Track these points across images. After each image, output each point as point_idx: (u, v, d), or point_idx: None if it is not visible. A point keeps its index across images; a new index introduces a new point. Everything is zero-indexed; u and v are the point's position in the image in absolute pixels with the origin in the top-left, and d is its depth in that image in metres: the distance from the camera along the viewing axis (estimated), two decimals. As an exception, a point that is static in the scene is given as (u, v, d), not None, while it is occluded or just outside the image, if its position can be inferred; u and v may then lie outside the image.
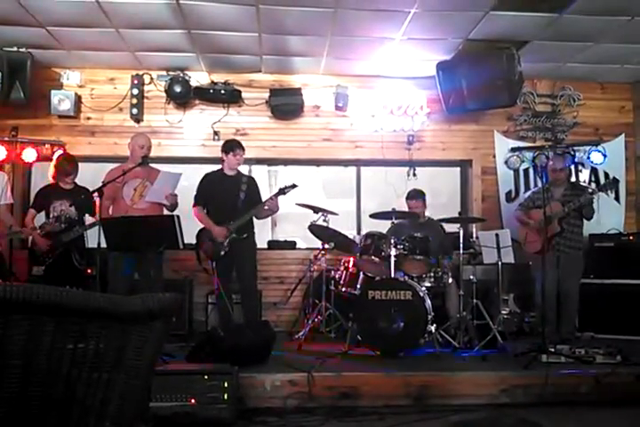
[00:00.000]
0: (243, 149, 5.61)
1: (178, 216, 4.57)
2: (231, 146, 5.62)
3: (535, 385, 4.20)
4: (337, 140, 7.33)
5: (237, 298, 5.65)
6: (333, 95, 7.26)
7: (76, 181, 5.75)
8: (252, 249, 5.64)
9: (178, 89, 6.92)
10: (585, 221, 5.69)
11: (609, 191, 6.83)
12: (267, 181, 7.41)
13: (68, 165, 5.70)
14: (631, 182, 7.40)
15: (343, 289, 5.59)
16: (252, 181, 5.72)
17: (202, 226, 5.52)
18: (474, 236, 6.46)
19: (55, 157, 6.32)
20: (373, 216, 5.79)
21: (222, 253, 5.35)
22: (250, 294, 5.58)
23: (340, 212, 6.27)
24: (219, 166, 5.83)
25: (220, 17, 5.64)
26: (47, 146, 6.76)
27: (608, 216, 6.79)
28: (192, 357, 4.40)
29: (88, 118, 7.10)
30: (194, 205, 5.56)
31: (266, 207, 5.53)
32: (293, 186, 5.48)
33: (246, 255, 5.51)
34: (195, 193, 5.59)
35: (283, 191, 5.46)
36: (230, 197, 5.49)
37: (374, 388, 4.20)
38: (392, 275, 5.15)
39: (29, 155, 6.63)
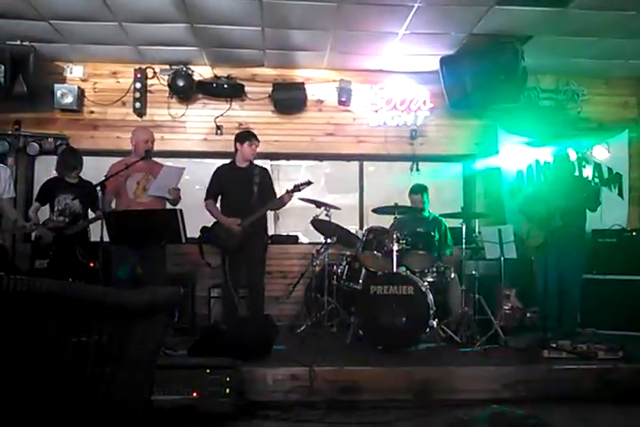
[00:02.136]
0: (258, 139, 5.62)
1: (180, 210, 4.58)
2: (247, 136, 5.63)
3: (537, 381, 4.20)
4: (340, 134, 7.32)
5: (244, 292, 5.66)
6: (336, 90, 7.24)
7: (80, 174, 5.75)
8: (263, 244, 5.64)
9: (181, 83, 6.91)
10: (587, 216, 5.66)
11: (612, 186, 6.83)
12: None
13: (74, 159, 5.70)
14: (634, 178, 7.37)
15: (345, 284, 5.60)
16: (264, 173, 5.68)
17: (207, 221, 5.53)
18: (476, 231, 6.46)
19: (60, 150, 6.34)
20: (376, 211, 5.79)
21: (235, 246, 5.35)
22: (256, 288, 5.58)
23: (342, 206, 6.26)
24: (221, 161, 5.83)
25: (224, 11, 5.63)
26: (50, 140, 6.77)
27: (611, 212, 6.77)
28: (194, 350, 4.41)
29: (91, 112, 7.10)
30: (205, 199, 5.56)
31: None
32: (308, 183, 5.48)
33: (256, 250, 5.51)
34: (207, 187, 5.59)
35: (297, 188, 5.46)
36: (243, 190, 5.47)
37: (376, 382, 4.20)
38: (394, 270, 5.15)
39: (32, 148, 6.64)
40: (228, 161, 5.74)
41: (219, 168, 5.68)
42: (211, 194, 5.59)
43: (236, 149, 5.61)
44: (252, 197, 5.45)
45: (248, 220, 5.34)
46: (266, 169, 5.80)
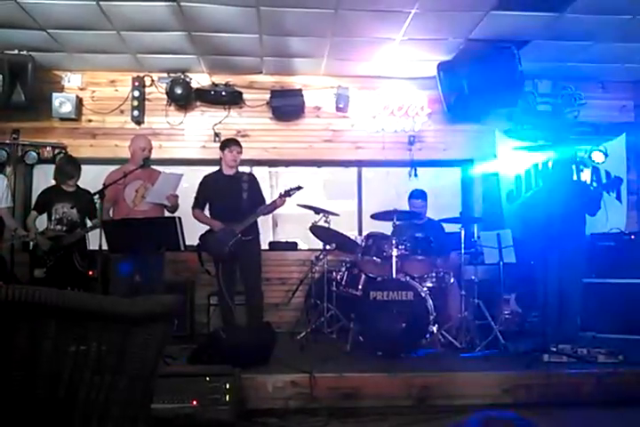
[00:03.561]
0: (239, 145, 5.57)
1: (179, 218, 4.57)
2: (226, 142, 5.64)
3: (537, 385, 4.20)
4: (338, 141, 7.33)
5: (239, 300, 5.65)
6: (334, 96, 7.26)
7: (78, 183, 5.76)
8: (257, 250, 5.64)
9: (179, 91, 6.93)
10: (586, 219, 5.67)
11: (610, 190, 6.85)
12: (268, 183, 7.40)
13: (72, 167, 5.71)
14: (633, 182, 7.39)
15: (345, 290, 5.59)
16: (252, 179, 5.68)
17: (206, 228, 5.52)
18: (475, 236, 6.45)
19: (58, 159, 6.35)
20: (374, 217, 5.79)
21: (227, 254, 5.34)
22: (254, 295, 5.56)
23: (341, 212, 6.26)
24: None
25: (221, 18, 5.65)
26: (49, 148, 6.79)
27: (610, 215, 6.76)
28: (194, 358, 4.40)
29: (89, 121, 7.11)
30: (192, 208, 5.54)
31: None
32: (298, 188, 5.47)
33: (251, 257, 5.51)
34: (194, 196, 5.59)
35: (288, 193, 5.45)
36: (232, 197, 5.46)
37: (376, 389, 4.19)
38: (393, 275, 5.15)
39: (31, 157, 6.65)
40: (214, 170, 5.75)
41: (205, 177, 5.67)
42: (198, 203, 5.55)
43: (221, 158, 5.62)
44: (240, 204, 5.43)
45: (240, 226, 5.33)
46: (253, 175, 5.80)
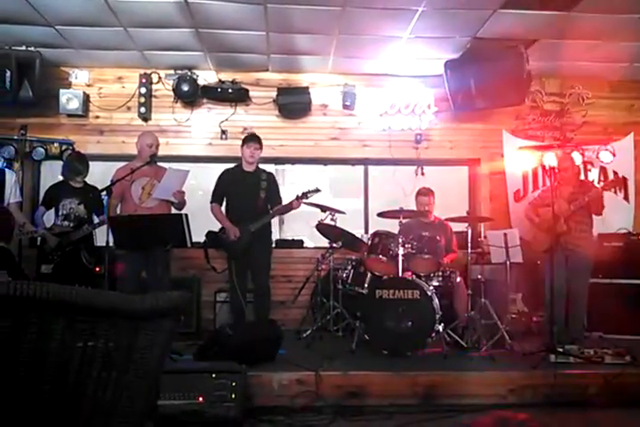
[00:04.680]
0: (257, 142, 5.60)
1: (186, 215, 4.58)
2: (245, 138, 5.69)
3: (543, 385, 4.19)
4: (344, 139, 7.31)
5: (250, 297, 5.67)
6: (341, 94, 7.24)
7: (86, 179, 5.77)
8: (269, 249, 5.65)
9: (185, 88, 6.93)
10: (593, 219, 5.64)
11: (615, 189, 6.82)
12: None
13: (80, 164, 5.72)
14: (640, 182, 7.36)
15: (351, 288, 5.59)
16: (271, 178, 5.70)
17: (211, 226, 5.53)
18: (482, 235, 6.44)
19: (66, 155, 6.37)
20: (381, 215, 5.78)
21: (242, 252, 5.35)
22: (264, 292, 5.58)
23: (347, 211, 6.24)
24: (226, 165, 5.84)
25: (228, 16, 5.65)
26: (56, 145, 6.80)
27: (617, 215, 6.74)
28: (200, 355, 4.41)
29: (96, 117, 7.12)
30: (210, 202, 5.59)
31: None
32: (316, 190, 5.49)
33: (263, 255, 5.52)
34: (212, 189, 5.61)
35: (305, 195, 5.46)
36: (250, 194, 5.48)
37: (382, 387, 4.19)
38: (400, 274, 5.14)
39: (38, 153, 6.67)
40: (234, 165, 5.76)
41: (224, 171, 5.70)
42: (215, 197, 5.60)
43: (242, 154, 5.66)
44: (258, 202, 5.46)
45: (256, 224, 5.35)
46: (272, 174, 5.82)
